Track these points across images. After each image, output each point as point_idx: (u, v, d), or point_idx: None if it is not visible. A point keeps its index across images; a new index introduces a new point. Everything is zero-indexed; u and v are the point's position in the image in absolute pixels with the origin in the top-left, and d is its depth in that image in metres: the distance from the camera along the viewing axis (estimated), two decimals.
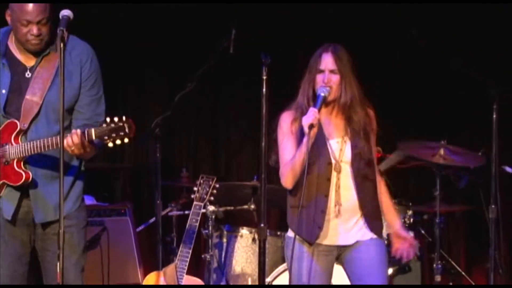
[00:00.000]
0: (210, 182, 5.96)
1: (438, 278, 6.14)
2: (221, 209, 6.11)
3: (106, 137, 4.08)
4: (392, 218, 4.52)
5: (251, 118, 7.03)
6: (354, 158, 4.36)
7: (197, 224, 5.83)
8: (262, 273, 4.32)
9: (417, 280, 6.49)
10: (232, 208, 6.25)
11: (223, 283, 6.12)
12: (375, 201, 4.43)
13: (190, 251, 5.74)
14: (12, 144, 4.20)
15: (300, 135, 4.29)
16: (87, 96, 4.30)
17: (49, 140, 4.12)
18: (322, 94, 4.30)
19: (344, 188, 4.35)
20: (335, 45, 4.42)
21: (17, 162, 4.20)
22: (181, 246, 5.78)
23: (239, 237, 6.18)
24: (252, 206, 6.23)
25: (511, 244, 7.03)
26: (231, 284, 6.13)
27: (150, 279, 5.80)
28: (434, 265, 6.15)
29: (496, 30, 7.16)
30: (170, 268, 5.75)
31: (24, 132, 4.21)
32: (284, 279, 5.69)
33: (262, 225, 4.27)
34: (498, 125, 5.19)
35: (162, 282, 5.74)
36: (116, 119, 4.08)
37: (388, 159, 6.12)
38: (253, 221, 6.35)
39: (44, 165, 4.23)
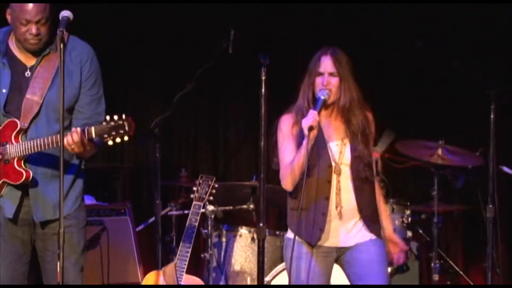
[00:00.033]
0: (210, 182, 5.96)
1: (436, 277, 6.15)
2: (220, 208, 6.12)
3: (106, 135, 4.09)
4: (385, 222, 4.55)
5: (251, 118, 7.03)
6: (354, 161, 4.37)
7: (197, 223, 5.83)
8: (261, 272, 4.33)
9: (415, 279, 6.50)
10: (231, 207, 6.26)
11: (222, 282, 6.13)
12: (374, 203, 4.45)
13: (190, 250, 5.75)
14: (12, 143, 4.21)
15: (300, 138, 4.31)
16: (87, 96, 4.31)
17: (49, 139, 4.13)
18: (322, 97, 4.31)
19: (344, 190, 4.36)
20: (334, 48, 4.43)
21: (17, 161, 4.21)
22: (180, 245, 5.78)
23: (238, 237, 6.19)
24: (251, 206, 6.24)
25: (508, 243, 7.05)
26: (230, 283, 6.14)
27: (150, 278, 5.80)
28: (432, 264, 6.17)
29: (495, 30, 7.16)
30: (169, 267, 5.75)
31: (24, 131, 4.22)
32: (282, 278, 5.71)
33: (261, 224, 4.28)
34: (496, 125, 5.20)
35: (161, 281, 5.75)
36: (116, 117, 4.09)
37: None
38: (252, 220, 6.36)
39: (44, 163, 4.24)
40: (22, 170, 4.21)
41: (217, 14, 7.05)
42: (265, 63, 4.27)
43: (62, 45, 3.99)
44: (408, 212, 6.38)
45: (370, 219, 4.40)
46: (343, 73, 4.37)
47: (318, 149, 4.33)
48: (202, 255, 6.11)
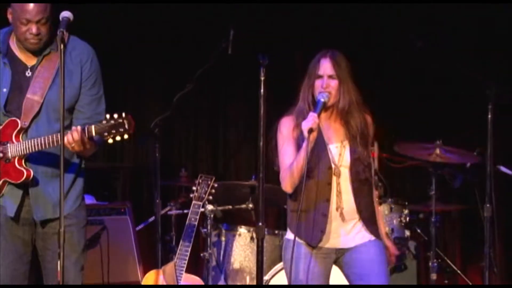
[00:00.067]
0: (209, 182, 5.98)
1: (433, 276, 6.15)
2: (220, 208, 6.13)
3: (106, 134, 4.11)
4: (379, 224, 4.56)
5: (250, 119, 7.03)
6: (353, 163, 4.38)
7: (196, 223, 5.85)
8: (260, 271, 4.33)
9: (413, 279, 6.52)
10: (230, 207, 6.27)
11: (221, 281, 6.14)
12: (372, 205, 4.47)
13: (189, 250, 5.76)
14: (13, 142, 4.23)
15: (300, 141, 4.32)
16: (88, 96, 4.33)
17: (50, 138, 4.15)
18: (322, 100, 4.32)
19: (344, 192, 4.38)
20: (333, 51, 4.44)
21: (18, 160, 4.23)
22: (180, 244, 5.80)
23: (237, 236, 6.21)
24: (250, 205, 6.25)
25: (506, 243, 7.05)
26: (230, 282, 6.15)
27: (150, 277, 5.81)
28: (430, 264, 6.16)
29: (495, 30, 7.17)
30: (169, 267, 5.76)
31: (25, 130, 4.24)
32: (281, 277, 5.71)
33: (260, 224, 4.29)
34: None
35: (161, 280, 5.76)
36: (115, 115, 4.11)
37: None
38: (251, 220, 6.38)
39: (45, 162, 4.26)
40: (22, 169, 4.23)
41: (217, 14, 7.06)
42: (264, 63, 4.28)
43: (62, 46, 4.01)
44: (406, 211, 6.40)
45: (369, 220, 4.42)
46: (342, 76, 4.38)
47: (318, 151, 4.34)
48: (201, 254, 6.12)
